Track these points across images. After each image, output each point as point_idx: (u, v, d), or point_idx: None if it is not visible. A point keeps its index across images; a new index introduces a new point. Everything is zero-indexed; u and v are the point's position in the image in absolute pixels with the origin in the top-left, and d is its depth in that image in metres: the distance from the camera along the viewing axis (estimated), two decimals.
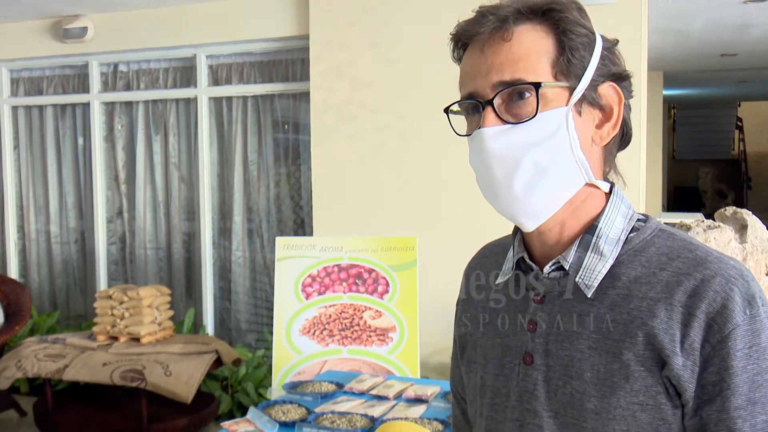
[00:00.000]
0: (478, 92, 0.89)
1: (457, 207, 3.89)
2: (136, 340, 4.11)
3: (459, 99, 0.92)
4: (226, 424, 2.24)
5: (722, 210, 2.72)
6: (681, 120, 12.30)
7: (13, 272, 5.44)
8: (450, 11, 0.93)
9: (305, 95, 4.47)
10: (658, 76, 7.73)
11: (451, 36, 0.92)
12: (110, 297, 4.17)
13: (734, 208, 2.70)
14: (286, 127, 4.78)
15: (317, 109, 4.26)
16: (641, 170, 3.64)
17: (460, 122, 0.96)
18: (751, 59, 6.88)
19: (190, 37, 4.70)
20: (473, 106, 0.90)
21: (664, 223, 0.95)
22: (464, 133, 0.93)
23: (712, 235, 2.57)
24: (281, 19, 4.44)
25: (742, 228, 2.62)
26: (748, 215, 2.63)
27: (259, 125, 4.79)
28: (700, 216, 3.38)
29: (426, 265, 3.60)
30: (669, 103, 11.32)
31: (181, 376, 3.70)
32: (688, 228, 2.61)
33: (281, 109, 4.75)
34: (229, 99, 4.82)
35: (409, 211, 4.06)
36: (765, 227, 2.63)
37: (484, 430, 0.99)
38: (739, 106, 12.25)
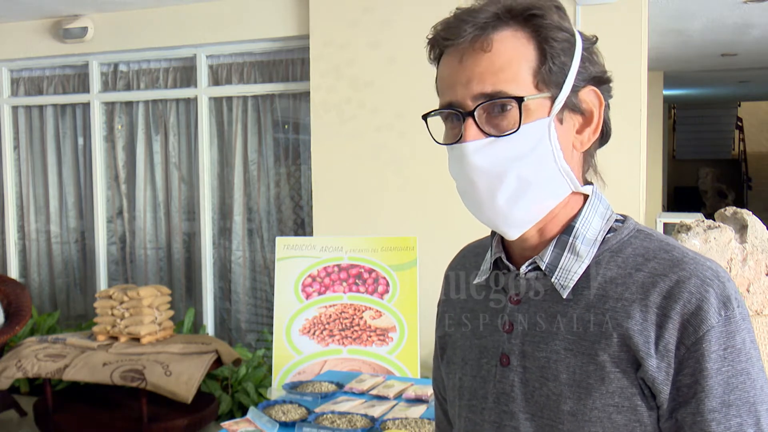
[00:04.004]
0: (458, 102, 0.87)
1: (457, 207, 3.85)
2: (136, 340, 4.11)
3: (438, 108, 0.90)
4: (226, 424, 2.24)
5: (722, 210, 2.72)
6: (681, 120, 12.30)
7: (13, 272, 5.44)
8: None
9: (305, 95, 4.47)
10: (658, 76, 7.73)
11: (427, 40, 0.90)
12: (110, 297, 4.17)
13: (734, 208, 2.70)
14: (286, 127, 4.78)
15: (317, 109, 4.26)
16: (641, 170, 3.64)
17: (439, 125, 0.94)
18: (751, 59, 6.88)
19: (190, 37, 4.70)
20: (453, 114, 0.89)
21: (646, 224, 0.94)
22: (442, 139, 0.92)
23: (712, 235, 2.57)
24: (281, 19, 4.44)
25: (742, 228, 2.62)
26: (748, 215, 2.62)
27: (259, 125, 4.79)
28: (700, 216, 3.37)
29: (426, 265, 3.59)
30: (669, 103, 11.31)
31: (181, 376, 3.70)
32: (689, 228, 2.60)
33: (281, 109, 4.75)
34: (229, 99, 4.82)
35: (409, 211, 4.06)
36: (765, 227, 2.63)
37: (463, 431, 0.98)
38: (739, 106, 12.25)
